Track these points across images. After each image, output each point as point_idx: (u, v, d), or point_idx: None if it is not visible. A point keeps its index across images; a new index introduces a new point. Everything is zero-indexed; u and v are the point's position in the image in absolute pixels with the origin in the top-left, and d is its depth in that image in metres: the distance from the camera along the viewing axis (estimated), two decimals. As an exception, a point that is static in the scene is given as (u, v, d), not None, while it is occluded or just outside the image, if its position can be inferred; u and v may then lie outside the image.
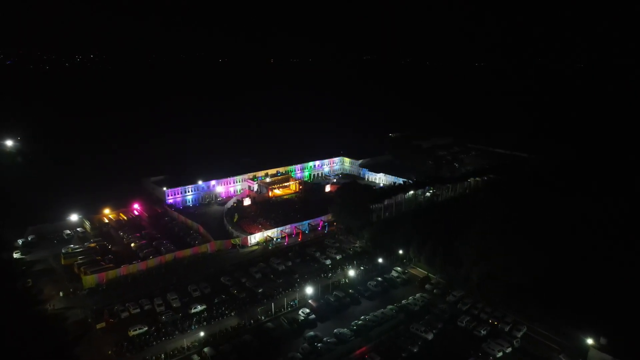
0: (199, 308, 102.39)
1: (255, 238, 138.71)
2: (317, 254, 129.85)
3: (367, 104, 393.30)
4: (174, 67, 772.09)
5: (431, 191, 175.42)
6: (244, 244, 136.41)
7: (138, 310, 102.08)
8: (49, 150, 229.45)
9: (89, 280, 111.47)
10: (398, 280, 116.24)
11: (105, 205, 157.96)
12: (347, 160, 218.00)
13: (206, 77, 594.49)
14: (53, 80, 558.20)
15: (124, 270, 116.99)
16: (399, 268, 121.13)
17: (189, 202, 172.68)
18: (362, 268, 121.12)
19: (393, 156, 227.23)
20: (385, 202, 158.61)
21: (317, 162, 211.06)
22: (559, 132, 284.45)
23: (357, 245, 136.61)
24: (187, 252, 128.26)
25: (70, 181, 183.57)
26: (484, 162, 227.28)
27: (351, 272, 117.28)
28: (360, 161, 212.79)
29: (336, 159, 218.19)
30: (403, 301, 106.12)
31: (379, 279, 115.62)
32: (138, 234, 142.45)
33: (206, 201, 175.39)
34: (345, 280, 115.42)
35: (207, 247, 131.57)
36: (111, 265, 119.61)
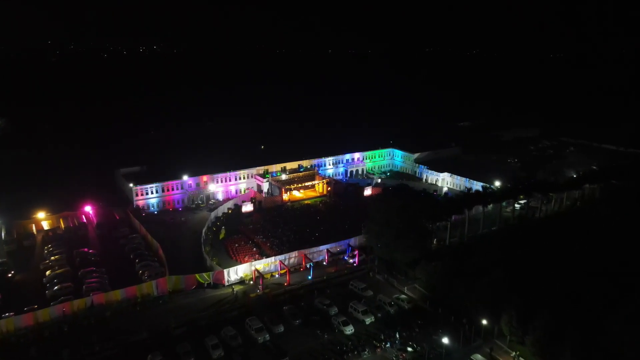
0: None
1: (237, 272, 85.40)
2: (333, 312, 74.58)
3: (430, 93, 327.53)
4: (230, 57, 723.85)
5: (521, 202, 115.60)
6: (218, 282, 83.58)
7: None
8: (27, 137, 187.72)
9: None
10: (481, 385, 59.04)
11: (42, 206, 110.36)
12: (398, 153, 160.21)
13: (259, 67, 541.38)
14: (99, 68, 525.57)
15: (-14, 328, 67.35)
16: (479, 356, 63.47)
17: (170, 204, 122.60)
18: (410, 350, 64.83)
19: (463, 150, 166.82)
20: (453, 218, 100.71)
21: (357, 155, 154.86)
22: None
23: (403, 297, 79.89)
24: (116, 295, 76.94)
25: (30, 171, 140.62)
26: (590, 161, 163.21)
27: (388, 366, 61.29)
28: (416, 155, 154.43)
29: (383, 152, 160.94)
30: None
31: (443, 380, 58.97)
32: (67, 254, 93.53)
33: (193, 204, 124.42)
34: (375, 379, 59.73)
35: (154, 287, 79.69)
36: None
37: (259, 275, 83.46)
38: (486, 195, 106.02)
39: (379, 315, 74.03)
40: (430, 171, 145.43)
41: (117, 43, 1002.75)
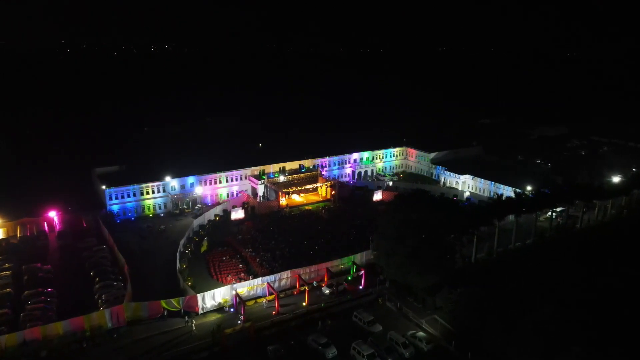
0: None
1: (214, 297, 69.02)
2: (331, 354, 57.84)
3: (446, 89, 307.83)
4: (236, 56, 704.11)
5: (557, 210, 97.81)
6: (190, 310, 67.23)
7: None
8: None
9: None
10: None
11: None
12: (413, 152, 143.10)
13: (266, 66, 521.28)
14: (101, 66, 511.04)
15: None
16: None
17: (149, 209, 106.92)
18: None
19: (485, 150, 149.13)
20: (481, 230, 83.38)
21: (366, 154, 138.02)
22: None
23: (421, 334, 62.64)
24: (57, 328, 60.98)
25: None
26: (629, 162, 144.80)
27: None
28: (432, 155, 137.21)
29: (396, 151, 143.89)
30: None
31: None
32: (16, 270, 78.17)
33: (177, 210, 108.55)
34: None
35: (107, 317, 63.58)
36: None
37: (241, 302, 67.05)
38: (520, 203, 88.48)
39: (389, 358, 57.09)
40: (449, 173, 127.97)
41: (128, 42, 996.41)
